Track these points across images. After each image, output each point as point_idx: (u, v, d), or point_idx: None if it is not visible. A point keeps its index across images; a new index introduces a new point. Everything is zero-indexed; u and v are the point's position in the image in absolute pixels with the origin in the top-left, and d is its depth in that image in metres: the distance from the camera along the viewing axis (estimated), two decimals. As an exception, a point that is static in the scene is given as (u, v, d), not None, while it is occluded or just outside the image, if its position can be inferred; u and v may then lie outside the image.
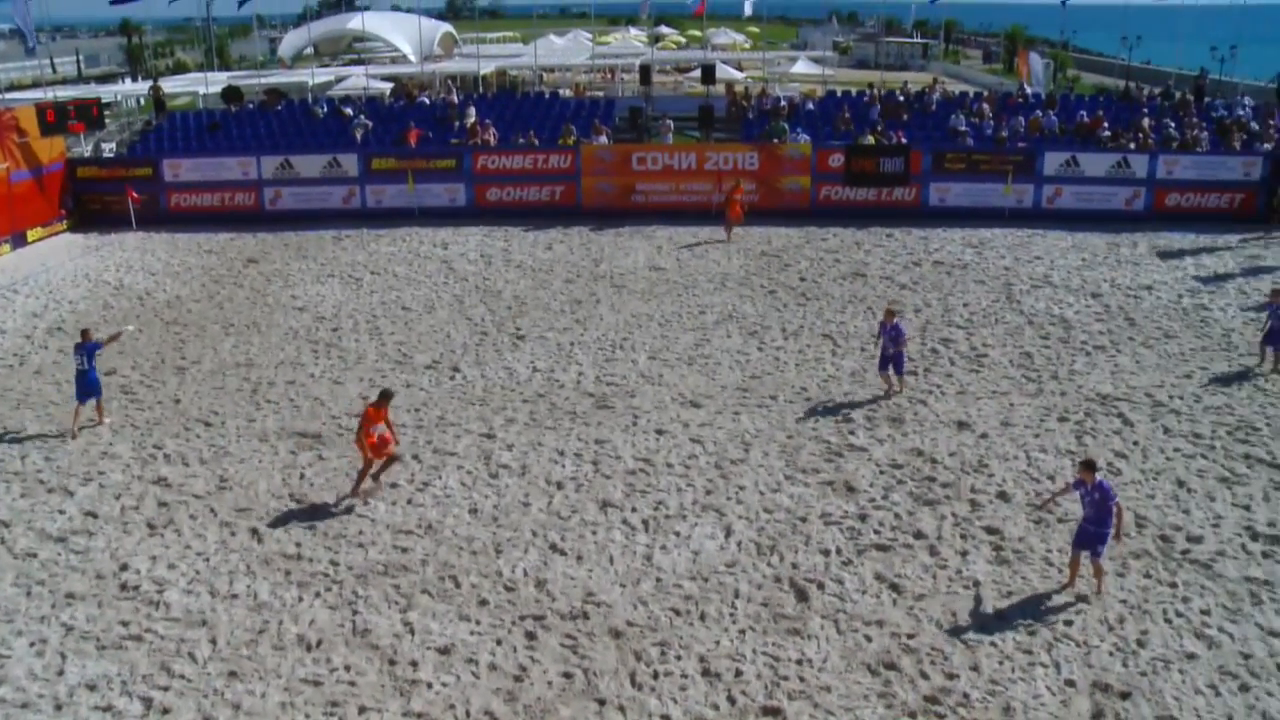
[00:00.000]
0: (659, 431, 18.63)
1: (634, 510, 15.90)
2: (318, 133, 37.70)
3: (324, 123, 38.26)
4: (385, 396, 16.25)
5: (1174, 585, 14.02)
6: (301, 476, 17.19)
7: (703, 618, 13.35)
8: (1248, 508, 16.00)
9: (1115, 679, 12.21)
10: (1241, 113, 38.50)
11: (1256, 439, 18.38)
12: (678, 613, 13.45)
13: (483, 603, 13.68)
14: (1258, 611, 13.45)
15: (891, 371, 20.02)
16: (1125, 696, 11.92)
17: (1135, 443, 18.20)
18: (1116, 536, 13.62)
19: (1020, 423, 19.00)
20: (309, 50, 75.15)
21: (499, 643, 12.88)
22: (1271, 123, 37.67)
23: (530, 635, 13.01)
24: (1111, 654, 12.65)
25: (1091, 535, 13.53)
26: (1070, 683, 12.15)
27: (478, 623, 13.26)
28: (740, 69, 71.67)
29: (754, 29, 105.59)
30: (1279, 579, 14.12)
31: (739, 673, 12.31)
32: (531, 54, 64.95)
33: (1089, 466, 13.54)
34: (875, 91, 40.54)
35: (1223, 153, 35.28)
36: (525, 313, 25.45)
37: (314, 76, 52.46)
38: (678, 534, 15.29)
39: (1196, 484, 16.70)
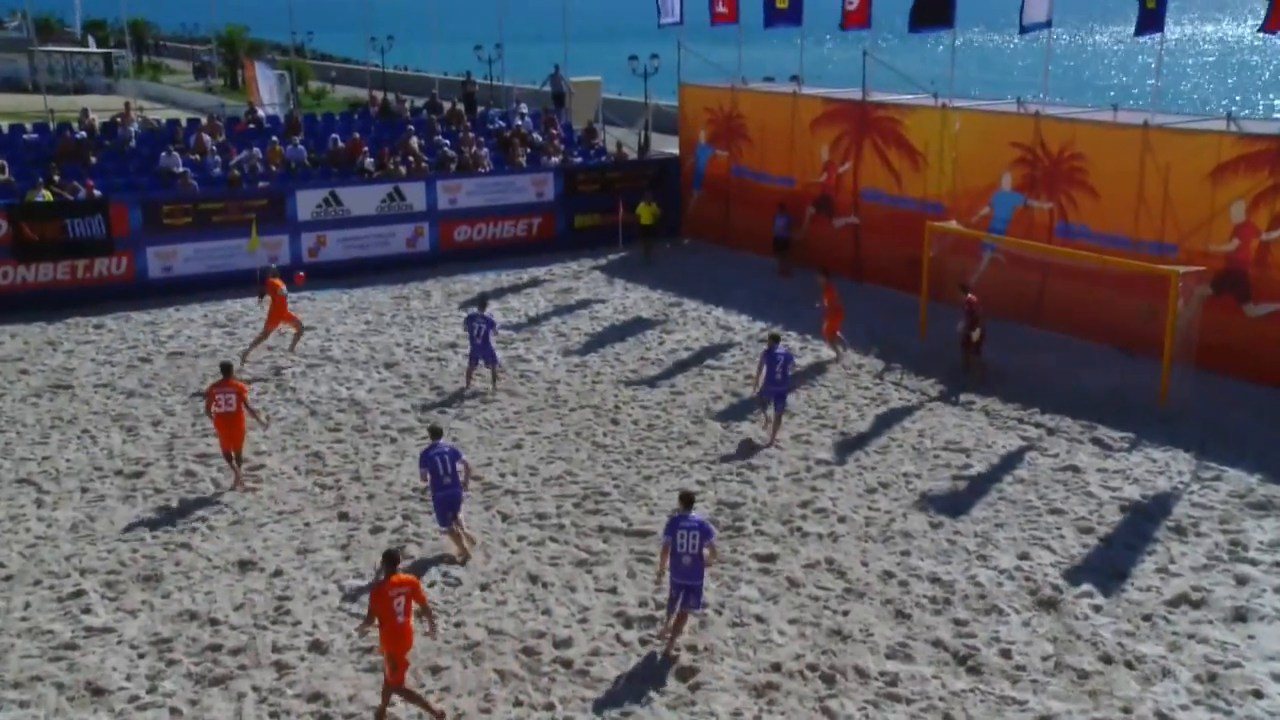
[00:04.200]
0: None
1: None
2: None
3: None
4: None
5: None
6: None
7: None
8: (613, 590, 17.61)
9: None
10: (520, 122, 42.72)
11: (608, 505, 20.35)
12: None
13: None
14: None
15: (772, 410, 23.37)
16: None
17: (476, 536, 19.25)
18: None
19: (324, 545, 19.25)
20: None
21: None
22: (554, 131, 42.22)
23: None
24: None
25: (691, 590, 16.00)
26: None
27: None
28: None
29: None
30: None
31: None
32: None
33: (688, 501, 16.15)
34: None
35: (509, 171, 38.90)
36: None
37: None
38: None
39: (552, 575, 18.09)
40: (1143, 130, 27.12)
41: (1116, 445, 22.64)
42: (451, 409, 25.18)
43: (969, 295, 25.82)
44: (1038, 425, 23.80)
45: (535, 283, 35.30)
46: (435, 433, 19.14)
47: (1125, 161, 27.30)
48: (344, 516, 20.42)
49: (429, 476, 18.53)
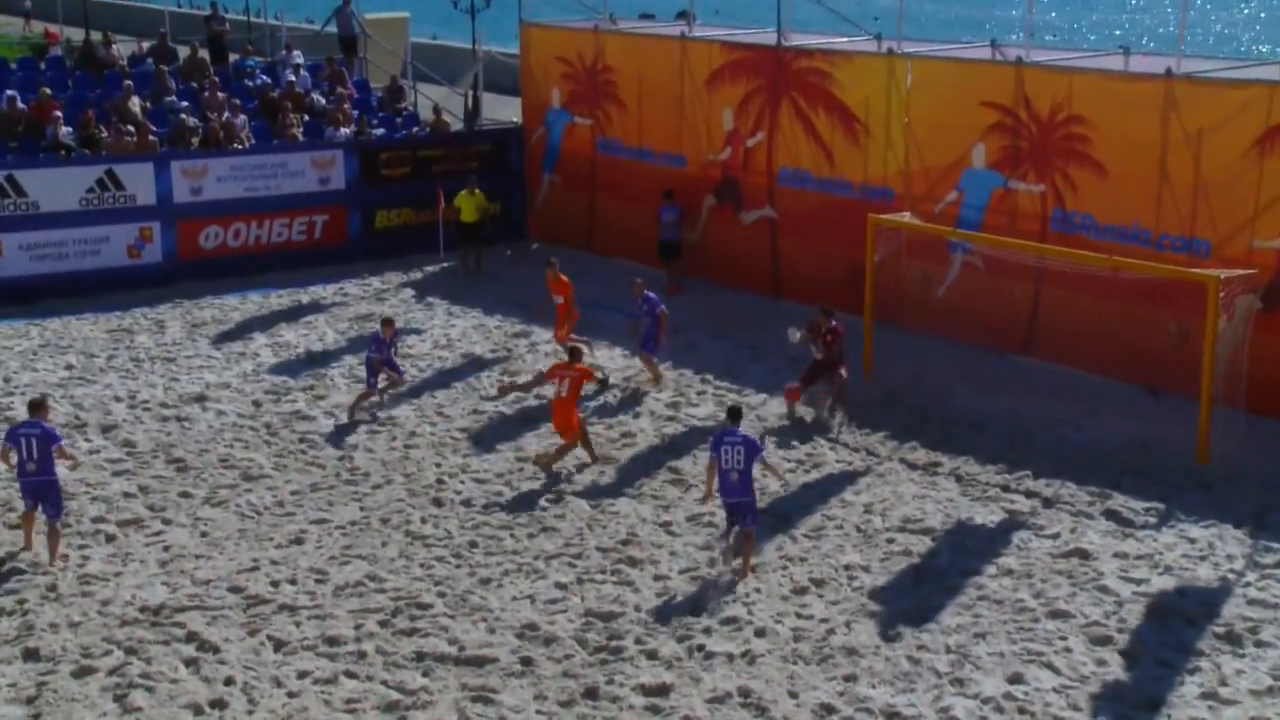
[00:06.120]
0: None
1: None
2: None
3: None
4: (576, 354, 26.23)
5: None
6: None
7: None
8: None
9: None
10: (294, 77, 42.34)
11: (428, 621, 20.11)
12: None
13: None
14: None
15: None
16: None
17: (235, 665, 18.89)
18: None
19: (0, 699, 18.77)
20: None
21: None
22: (343, 91, 41.83)
23: None
24: None
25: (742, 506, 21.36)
26: None
27: None
28: None
29: None
30: None
31: None
32: None
33: (735, 415, 21.77)
34: None
35: (279, 148, 38.50)
36: None
37: None
38: None
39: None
40: (1165, 82, 27.47)
41: (1140, 520, 22.85)
42: (200, 490, 24.75)
43: (834, 323, 27.00)
44: (1030, 494, 23.98)
45: (320, 306, 35.02)
46: (34, 406, 22.40)
47: (1142, 126, 27.68)
48: (33, 655, 19.80)
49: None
